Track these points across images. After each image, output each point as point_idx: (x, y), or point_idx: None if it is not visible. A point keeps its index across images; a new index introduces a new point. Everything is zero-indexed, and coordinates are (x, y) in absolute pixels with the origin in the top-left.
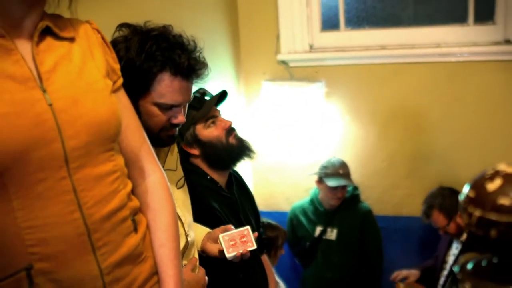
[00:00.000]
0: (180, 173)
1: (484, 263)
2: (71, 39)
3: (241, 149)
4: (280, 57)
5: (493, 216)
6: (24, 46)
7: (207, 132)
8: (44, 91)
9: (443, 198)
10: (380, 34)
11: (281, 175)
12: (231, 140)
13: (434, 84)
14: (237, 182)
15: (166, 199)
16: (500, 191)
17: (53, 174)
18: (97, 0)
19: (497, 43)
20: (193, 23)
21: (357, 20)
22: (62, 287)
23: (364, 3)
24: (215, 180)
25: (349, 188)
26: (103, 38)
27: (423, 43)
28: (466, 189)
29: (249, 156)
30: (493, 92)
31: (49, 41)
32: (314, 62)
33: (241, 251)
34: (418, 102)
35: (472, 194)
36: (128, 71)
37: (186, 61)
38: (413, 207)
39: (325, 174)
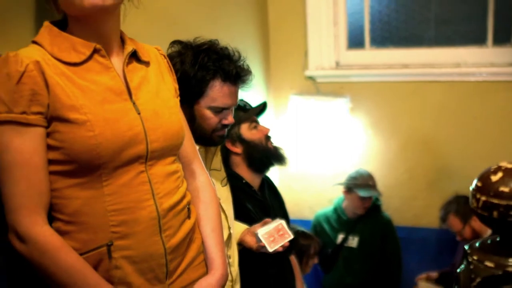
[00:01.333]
0: (223, 172)
1: (489, 241)
2: (147, 63)
3: (277, 155)
4: (308, 73)
5: (495, 200)
6: (116, 65)
7: (250, 133)
8: (133, 103)
9: (459, 204)
10: (402, 54)
11: (305, 184)
12: (269, 145)
13: (453, 102)
14: (269, 187)
15: (213, 195)
16: (501, 181)
17: (136, 168)
18: (144, 16)
19: None
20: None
21: (381, 39)
22: (134, 262)
23: (388, 24)
24: (249, 183)
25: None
26: (168, 63)
27: (443, 63)
28: (475, 181)
29: (282, 162)
30: (509, 111)
31: (133, 63)
32: (340, 79)
33: (281, 244)
34: (437, 118)
35: (479, 184)
36: (184, 81)
37: (234, 69)
38: (432, 218)
39: (355, 184)
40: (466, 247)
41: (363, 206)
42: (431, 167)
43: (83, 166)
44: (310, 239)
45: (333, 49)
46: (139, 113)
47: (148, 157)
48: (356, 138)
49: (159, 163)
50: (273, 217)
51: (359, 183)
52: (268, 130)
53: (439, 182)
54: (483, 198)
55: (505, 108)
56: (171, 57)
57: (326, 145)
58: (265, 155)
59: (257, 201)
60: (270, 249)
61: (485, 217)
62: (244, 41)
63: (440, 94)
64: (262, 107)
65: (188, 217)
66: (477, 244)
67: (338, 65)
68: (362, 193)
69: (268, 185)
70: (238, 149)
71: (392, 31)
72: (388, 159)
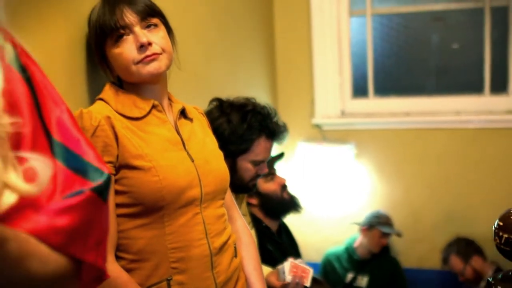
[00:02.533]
0: (249, 217)
1: (510, 273)
2: (191, 120)
3: (292, 204)
4: (315, 121)
5: None
6: (170, 119)
7: (266, 185)
8: (187, 152)
9: (459, 245)
10: (405, 102)
11: (312, 227)
12: (285, 195)
13: (454, 148)
14: (285, 231)
15: (251, 237)
16: None
17: (192, 210)
18: (178, 75)
19: (510, 112)
20: (243, 90)
21: (385, 88)
22: None
23: (390, 74)
24: (268, 226)
25: None
26: (207, 120)
27: (443, 111)
28: (496, 221)
29: (298, 211)
30: (507, 156)
31: (181, 118)
32: (345, 126)
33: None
34: (439, 164)
35: (501, 223)
36: (232, 138)
37: (275, 128)
38: (436, 260)
39: (377, 222)
40: (489, 279)
41: (381, 244)
42: (434, 210)
43: (148, 208)
44: (322, 285)
45: (339, 98)
46: (192, 161)
47: (202, 200)
48: (361, 183)
49: (211, 206)
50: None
51: (382, 221)
52: (284, 180)
53: (442, 225)
54: (505, 236)
55: (503, 154)
56: (212, 113)
57: (332, 190)
58: (281, 205)
59: (277, 243)
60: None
61: (507, 252)
62: (255, 91)
63: (441, 140)
64: (280, 157)
65: (235, 255)
66: (499, 276)
67: (343, 113)
68: (385, 229)
69: (284, 229)
70: (254, 200)
71: (394, 80)
72: (393, 203)
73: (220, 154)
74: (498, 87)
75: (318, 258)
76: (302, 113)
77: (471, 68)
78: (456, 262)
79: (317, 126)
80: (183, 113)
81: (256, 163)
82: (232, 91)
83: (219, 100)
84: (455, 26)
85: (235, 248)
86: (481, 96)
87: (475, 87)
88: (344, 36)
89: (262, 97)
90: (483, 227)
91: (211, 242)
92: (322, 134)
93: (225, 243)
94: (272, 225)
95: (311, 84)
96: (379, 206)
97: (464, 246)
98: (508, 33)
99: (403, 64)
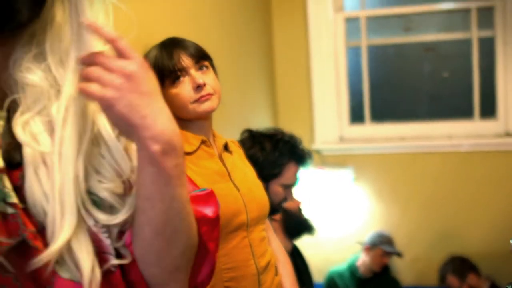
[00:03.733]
0: None
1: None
2: (231, 152)
3: (307, 225)
4: (314, 146)
5: None
6: (215, 153)
7: (288, 204)
8: (233, 182)
9: (454, 264)
10: (400, 127)
11: (315, 249)
12: (301, 216)
13: (448, 171)
14: (298, 254)
15: (287, 256)
16: None
17: (240, 233)
18: None
19: (498, 135)
20: (245, 118)
21: (380, 115)
22: None
23: (385, 101)
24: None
25: None
26: (243, 151)
27: (436, 135)
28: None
29: (312, 233)
30: (496, 177)
31: (225, 152)
32: (344, 151)
33: None
34: (433, 186)
35: None
36: (265, 164)
37: (302, 154)
38: (434, 278)
39: (380, 241)
40: (508, 286)
41: (382, 263)
42: (430, 229)
43: None
44: None
45: (337, 125)
46: (238, 190)
47: (249, 224)
48: (360, 205)
49: (255, 229)
50: (304, 279)
51: (384, 240)
52: (300, 203)
53: (438, 243)
54: None
55: (493, 175)
56: (245, 143)
57: (332, 212)
58: (299, 224)
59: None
60: None
61: None
62: (259, 118)
63: (435, 163)
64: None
65: (276, 273)
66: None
67: (341, 139)
68: (388, 248)
69: (297, 251)
70: (277, 216)
71: (389, 107)
72: (391, 224)
73: (259, 183)
74: (487, 112)
75: (320, 278)
76: (303, 139)
77: (462, 94)
78: (452, 281)
79: (317, 152)
80: (226, 147)
81: (286, 187)
82: (239, 118)
83: (250, 131)
84: (446, 55)
85: (275, 267)
86: (471, 121)
87: (465, 113)
88: (341, 66)
89: (265, 124)
90: (476, 244)
91: (257, 262)
92: (321, 159)
93: (269, 262)
94: (287, 246)
95: (310, 111)
96: (377, 226)
97: (459, 264)
98: (495, 62)
99: (397, 91)
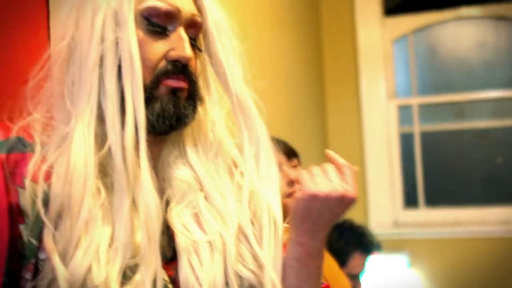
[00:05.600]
0: None
1: None
2: None
3: None
4: None
5: None
6: None
7: None
8: None
9: None
10: (454, 212)
11: None
12: None
13: (503, 256)
14: None
15: None
16: None
17: None
18: None
19: None
20: None
21: (434, 199)
22: None
23: (439, 185)
24: None
25: None
26: None
27: (491, 220)
28: None
29: None
30: None
31: None
32: (398, 236)
33: None
34: (489, 271)
35: None
36: (329, 252)
37: (370, 244)
38: None
39: None
40: None
41: None
42: None
43: None
44: None
45: (391, 209)
46: None
47: None
48: None
49: None
50: None
51: None
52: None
53: None
54: None
55: None
56: None
57: None
58: None
59: None
60: None
61: None
62: None
63: (491, 248)
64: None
65: None
66: None
67: (395, 224)
68: None
69: None
70: None
71: (443, 191)
72: None
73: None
74: None
75: None
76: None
77: None
78: None
79: None
80: None
81: (352, 277)
82: None
83: None
84: (498, 141)
85: None
86: None
87: None
88: (394, 152)
89: None
90: None
91: None
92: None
93: None
94: None
95: (364, 196)
96: None
97: None
98: None
99: (450, 176)
